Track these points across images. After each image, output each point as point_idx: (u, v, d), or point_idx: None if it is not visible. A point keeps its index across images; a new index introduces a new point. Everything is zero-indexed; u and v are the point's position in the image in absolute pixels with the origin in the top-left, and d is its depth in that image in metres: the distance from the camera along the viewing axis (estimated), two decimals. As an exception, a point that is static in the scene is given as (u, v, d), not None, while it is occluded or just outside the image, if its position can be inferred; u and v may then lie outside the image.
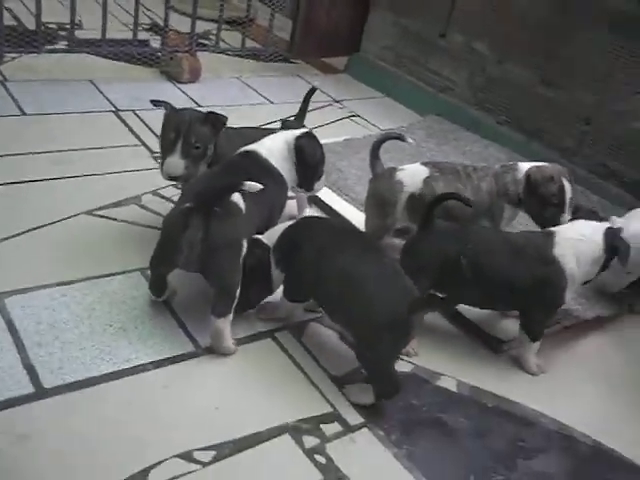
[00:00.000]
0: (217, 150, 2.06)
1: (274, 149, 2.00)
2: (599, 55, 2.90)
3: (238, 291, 1.74)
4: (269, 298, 1.90)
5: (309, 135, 2.06)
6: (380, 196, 2.18)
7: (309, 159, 2.04)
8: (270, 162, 1.97)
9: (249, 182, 1.69)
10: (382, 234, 2.20)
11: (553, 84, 3.09)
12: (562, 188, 2.06)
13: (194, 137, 1.97)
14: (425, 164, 2.22)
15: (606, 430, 1.79)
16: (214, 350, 1.77)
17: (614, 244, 1.86)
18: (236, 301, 1.75)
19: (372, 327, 1.63)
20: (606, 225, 1.92)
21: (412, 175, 2.16)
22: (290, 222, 1.87)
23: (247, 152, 1.99)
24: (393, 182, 2.17)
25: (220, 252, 1.70)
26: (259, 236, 1.84)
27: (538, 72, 3.14)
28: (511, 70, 3.26)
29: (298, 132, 2.06)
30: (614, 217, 2.17)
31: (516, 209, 2.15)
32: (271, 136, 2.06)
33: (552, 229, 1.93)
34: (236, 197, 1.77)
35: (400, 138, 2.28)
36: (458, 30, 3.47)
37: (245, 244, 1.77)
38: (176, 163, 1.98)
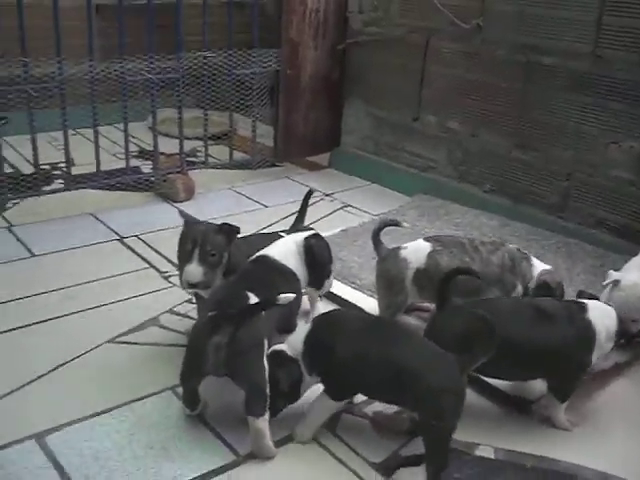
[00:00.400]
0: (230, 259, 2.16)
1: (285, 251, 2.13)
2: (568, 114, 3.07)
3: (268, 389, 1.79)
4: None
5: (317, 236, 2.20)
6: (388, 276, 2.28)
7: (318, 258, 2.16)
8: (282, 263, 2.09)
9: (283, 295, 1.79)
10: (395, 312, 2.29)
11: (529, 147, 3.25)
12: (563, 290, 2.23)
13: (210, 246, 2.07)
14: (427, 239, 2.33)
15: (645, 473, 1.82)
16: (255, 453, 1.81)
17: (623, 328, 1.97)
18: (269, 400, 1.79)
19: (437, 394, 1.68)
20: (613, 309, 2.01)
21: (415, 251, 2.28)
22: (308, 325, 1.91)
23: (260, 257, 2.12)
24: (399, 261, 2.28)
25: (245, 354, 1.78)
26: (281, 347, 1.87)
27: (512, 139, 3.31)
28: (486, 141, 3.43)
29: (306, 234, 2.20)
30: (611, 271, 2.26)
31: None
32: (281, 239, 2.19)
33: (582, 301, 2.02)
34: (253, 300, 1.87)
35: (396, 224, 2.40)
36: (430, 112, 3.66)
37: (266, 343, 1.84)
38: (195, 270, 2.07)
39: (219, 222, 2.17)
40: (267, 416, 1.79)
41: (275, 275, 2.04)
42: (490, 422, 2.00)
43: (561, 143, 3.13)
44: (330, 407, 1.86)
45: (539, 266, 2.26)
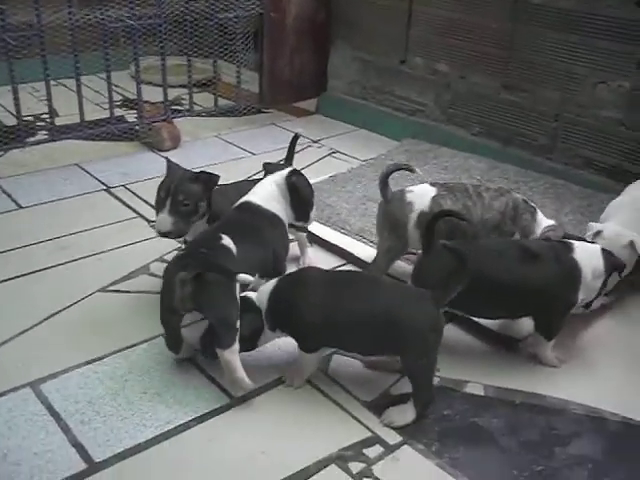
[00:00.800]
0: (213, 207, 2.15)
1: (266, 194, 2.12)
2: (556, 54, 3.04)
3: (237, 323, 1.81)
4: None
5: (296, 172, 2.18)
6: (392, 219, 2.26)
7: (303, 193, 2.15)
8: (265, 208, 2.09)
9: (242, 275, 1.82)
10: (394, 256, 2.29)
11: (517, 88, 3.23)
12: None
13: (182, 195, 2.07)
14: (433, 184, 2.31)
15: (633, 405, 1.87)
16: (231, 387, 1.84)
17: (612, 262, 1.98)
18: (238, 333, 1.80)
19: (420, 336, 1.72)
20: (599, 247, 2.02)
21: (420, 195, 2.26)
22: (274, 281, 1.90)
23: (243, 204, 2.11)
24: (404, 204, 2.26)
25: (212, 287, 1.79)
26: (251, 295, 1.89)
27: (500, 80, 3.28)
28: (475, 83, 3.40)
29: (285, 172, 2.17)
30: (591, 223, 2.27)
31: None
32: (261, 182, 2.17)
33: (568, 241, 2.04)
34: (226, 241, 1.90)
35: (408, 169, 2.33)
36: (417, 54, 3.62)
37: (237, 280, 1.85)
38: (165, 220, 2.07)
39: (207, 170, 2.15)
40: (236, 347, 1.79)
41: (259, 220, 2.05)
42: (479, 360, 2.04)
43: (549, 83, 3.10)
44: (310, 358, 1.87)
45: (543, 222, 2.25)
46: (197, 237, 2.02)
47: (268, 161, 2.32)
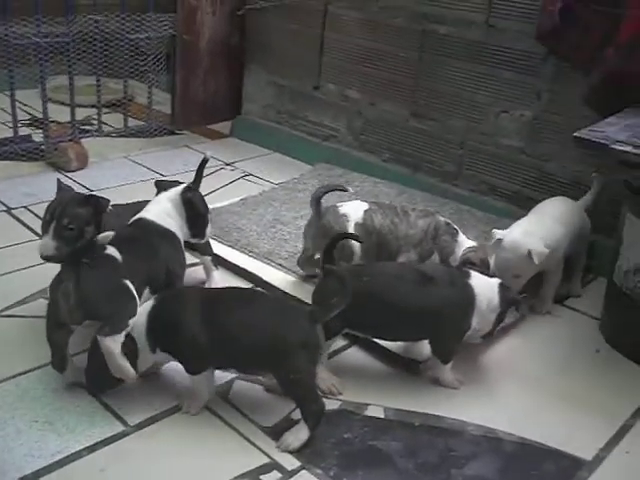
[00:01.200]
0: (107, 228, 2.09)
1: (160, 210, 2.10)
2: (461, 83, 3.13)
3: (130, 320, 1.78)
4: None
5: (190, 188, 2.17)
6: (330, 231, 2.27)
7: (200, 209, 2.15)
8: (158, 223, 2.07)
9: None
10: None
11: (425, 116, 3.30)
12: (488, 266, 2.30)
13: (67, 219, 2.01)
14: (363, 200, 2.43)
15: (528, 425, 1.91)
16: (115, 373, 1.78)
17: (508, 298, 2.02)
18: (127, 329, 1.77)
19: (288, 351, 1.71)
20: (498, 281, 2.06)
21: (354, 208, 2.35)
22: (150, 301, 1.88)
23: (134, 221, 2.09)
24: (339, 215, 2.32)
25: (95, 295, 1.78)
26: None
27: (409, 108, 3.35)
28: (384, 110, 3.46)
29: (179, 189, 2.16)
30: (495, 230, 2.34)
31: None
32: (154, 199, 2.15)
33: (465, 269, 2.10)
34: (110, 250, 1.89)
35: (342, 189, 2.43)
36: (330, 80, 3.66)
37: (130, 285, 1.83)
38: (47, 244, 2.01)
39: (96, 195, 2.10)
40: (118, 338, 1.75)
41: (151, 235, 2.04)
42: (380, 382, 2.04)
43: (455, 112, 3.19)
44: (199, 381, 1.84)
45: (465, 243, 2.34)
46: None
47: (161, 179, 2.30)
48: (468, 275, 2.02)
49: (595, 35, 2.57)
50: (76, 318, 1.80)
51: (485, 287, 2.00)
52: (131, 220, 2.10)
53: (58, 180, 2.18)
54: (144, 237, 2.03)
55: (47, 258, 2.03)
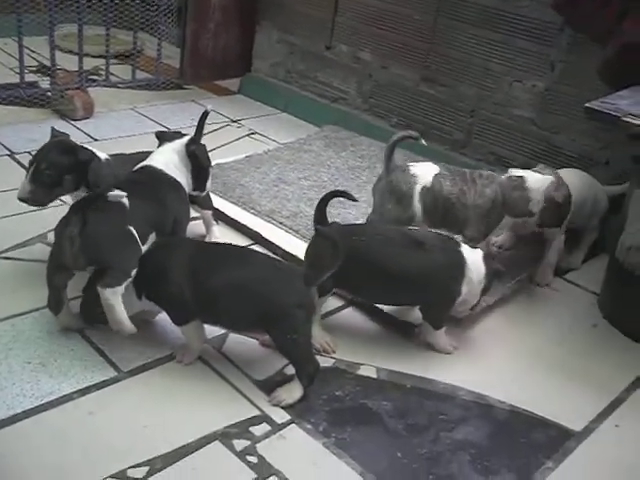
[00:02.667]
0: (108, 177, 2.09)
1: (166, 160, 2.09)
2: (476, 50, 3.08)
3: (134, 272, 1.78)
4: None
5: (194, 141, 2.15)
6: (397, 189, 2.24)
7: (204, 162, 2.14)
8: (166, 172, 2.06)
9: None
10: (405, 225, 2.24)
11: (436, 82, 3.26)
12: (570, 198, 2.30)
13: (45, 164, 2.01)
14: (436, 164, 2.33)
15: (520, 393, 1.91)
16: (112, 326, 1.78)
17: (493, 268, 2.02)
18: (129, 280, 1.77)
19: (284, 312, 1.71)
20: (482, 252, 2.04)
21: (424, 171, 2.26)
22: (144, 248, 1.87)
23: (141, 167, 2.08)
24: (408, 175, 2.25)
25: (101, 240, 1.77)
26: None
27: (420, 72, 3.31)
28: (396, 73, 3.41)
29: (184, 140, 2.14)
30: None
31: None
32: (159, 149, 2.14)
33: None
34: (118, 192, 1.86)
35: (414, 137, 2.30)
36: (342, 41, 3.61)
37: (134, 232, 1.82)
38: (23, 186, 2.03)
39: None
40: (119, 289, 1.74)
41: (158, 183, 2.03)
42: (374, 343, 2.05)
43: (467, 79, 3.14)
44: (187, 331, 1.83)
45: (536, 183, 2.24)
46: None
47: (162, 130, 2.27)
48: (459, 243, 2.01)
49: (613, 6, 2.52)
50: (79, 264, 1.79)
51: (474, 256, 1.99)
52: (137, 167, 2.08)
53: (52, 128, 2.16)
54: (152, 184, 2.01)
55: (22, 200, 2.04)
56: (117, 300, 1.75)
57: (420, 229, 2.17)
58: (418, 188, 2.23)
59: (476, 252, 2.00)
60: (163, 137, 2.18)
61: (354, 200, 1.99)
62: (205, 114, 2.25)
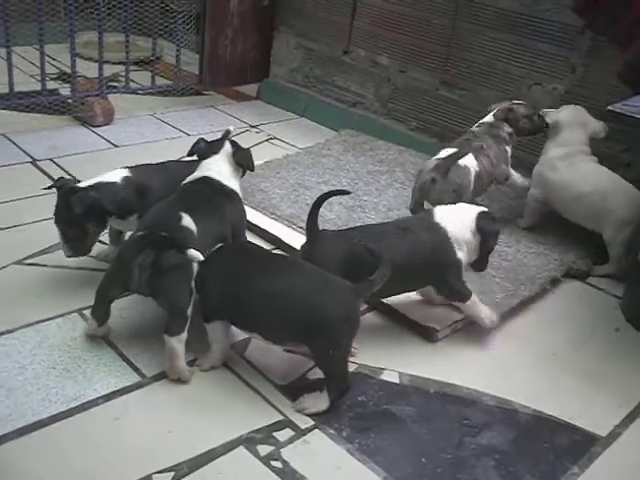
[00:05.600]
0: (121, 202, 2.10)
1: (222, 170, 2.11)
2: (495, 54, 3.08)
3: (189, 311, 1.80)
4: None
5: (238, 148, 2.18)
6: (460, 185, 2.36)
7: (251, 167, 2.21)
8: (224, 183, 2.09)
9: (192, 251, 1.78)
10: None
11: (455, 86, 3.26)
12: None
13: (65, 226, 2.05)
14: (450, 147, 2.49)
15: (543, 398, 1.90)
16: (168, 373, 1.80)
17: (486, 225, 2.03)
18: (188, 323, 1.79)
19: (331, 325, 1.68)
20: (480, 209, 2.08)
21: (468, 159, 2.42)
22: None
23: (199, 178, 2.09)
24: (463, 168, 2.38)
25: (168, 274, 1.78)
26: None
27: (439, 76, 3.30)
28: (414, 78, 3.41)
29: (229, 149, 2.15)
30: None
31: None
32: (212, 159, 2.13)
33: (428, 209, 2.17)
34: (187, 221, 1.88)
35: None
36: (360, 46, 3.61)
37: (196, 267, 1.83)
38: (65, 250, 2.08)
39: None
40: (184, 336, 1.78)
41: (219, 196, 2.05)
42: (397, 348, 2.04)
43: (486, 82, 3.14)
44: (212, 330, 1.84)
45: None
46: (156, 215, 1.94)
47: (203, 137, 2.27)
48: (432, 214, 2.05)
49: (634, 9, 2.50)
50: (142, 290, 1.82)
51: (452, 218, 2.02)
52: (193, 177, 2.09)
53: (60, 178, 2.15)
54: (214, 199, 2.03)
55: (70, 257, 2.10)
56: (182, 347, 1.78)
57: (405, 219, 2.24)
58: (472, 178, 2.41)
59: (457, 213, 2.05)
60: (201, 149, 2.17)
61: (347, 193, 2.14)
62: (227, 133, 2.26)
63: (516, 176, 2.66)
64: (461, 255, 2.00)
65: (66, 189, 2.06)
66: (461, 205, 2.12)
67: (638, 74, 2.48)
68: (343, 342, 1.71)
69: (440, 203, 2.28)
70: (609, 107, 2.04)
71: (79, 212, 2.01)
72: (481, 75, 3.15)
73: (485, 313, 2.06)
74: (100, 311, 1.89)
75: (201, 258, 1.79)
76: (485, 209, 2.11)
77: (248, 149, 2.22)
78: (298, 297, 1.71)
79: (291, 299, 1.71)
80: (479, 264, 2.09)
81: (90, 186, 2.07)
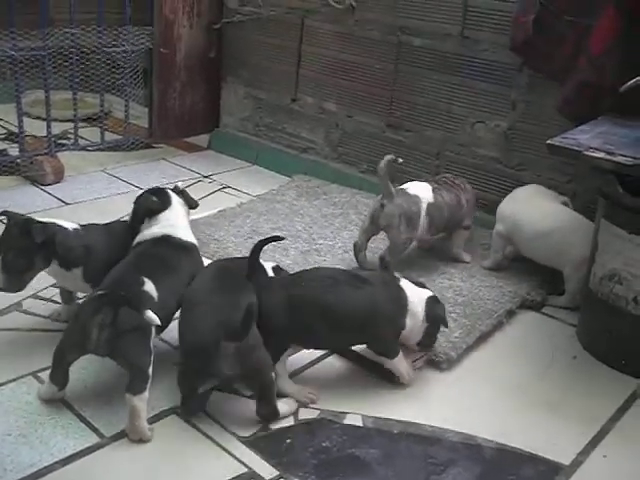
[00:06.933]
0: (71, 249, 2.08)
1: (179, 223, 2.14)
2: (437, 95, 3.16)
3: (150, 370, 1.78)
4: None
5: (180, 191, 2.24)
6: (407, 211, 2.48)
7: (195, 205, 2.29)
8: (181, 238, 2.11)
9: (149, 314, 1.77)
10: (408, 247, 2.61)
11: (401, 128, 3.32)
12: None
13: (12, 253, 2.00)
14: (423, 181, 2.69)
15: (507, 431, 1.91)
16: (129, 433, 1.76)
17: (435, 311, 2.07)
18: (150, 381, 1.77)
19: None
20: (428, 293, 2.11)
21: (423, 189, 2.58)
22: None
23: (159, 238, 2.08)
24: (412, 196, 2.49)
25: (129, 334, 1.77)
26: None
27: (385, 119, 3.37)
28: (361, 122, 3.48)
29: (176, 198, 2.20)
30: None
31: None
32: (168, 212, 2.14)
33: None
34: (149, 287, 1.88)
35: (396, 161, 2.59)
36: (307, 93, 3.68)
37: (153, 329, 1.82)
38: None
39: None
40: (146, 395, 1.76)
41: (178, 253, 2.07)
42: (358, 391, 2.03)
43: (431, 123, 3.21)
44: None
45: None
46: (117, 277, 1.93)
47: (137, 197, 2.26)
48: (398, 278, 2.10)
49: (567, 45, 2.61)
50: (101, 351, 1.79)
51: (413, 290, 2.06)
52: (152, 235, 2.08)
53: (5, 211, 2.11)
54: (174, 257, 2.04)
55: (2, 290, 2.03)
56: (144, 408, 1.76)
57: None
58: (424, 207, 2.51)
59: (417, 289, 2.08)
60: (154, 204, 2.16)
61: (281, 239, 2.13)
62: (175, 189, 2.27)
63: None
64: (408, 323, 2.02)
65: (22, 218, 2.05)
66: (417, 289, 2.10)
67: (576, 107, 2.58)
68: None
69: (389, 227, 2.45)
70: (548, 141, 2.10)
71: (39, 241, 1.98)
72: (425, 116, 3.23)
73: (404, 369, 2.05)
74: (59, 375, 1.86)
75: (158, 322, 1.79)
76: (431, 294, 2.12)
77: (184, 190, 2.26)
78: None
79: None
80: (427, 346, 2.12)
81: (47, 221, 2.07)
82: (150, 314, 1.77)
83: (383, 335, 2.01)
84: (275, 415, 1.84)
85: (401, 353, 2.03)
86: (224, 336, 1.73)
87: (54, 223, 2.08)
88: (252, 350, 1.78)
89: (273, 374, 1.82)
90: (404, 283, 2.07)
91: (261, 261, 2.02)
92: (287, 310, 1.90)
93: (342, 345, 2.11)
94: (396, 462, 1.77)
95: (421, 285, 2.14)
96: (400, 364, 2.04)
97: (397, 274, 2.21)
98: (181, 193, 2.23)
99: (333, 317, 1.91)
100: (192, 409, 1.87)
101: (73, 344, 1.81)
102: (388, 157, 2.53)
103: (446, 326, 2.11)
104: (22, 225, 2.02)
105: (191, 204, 2.26)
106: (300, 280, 1.99)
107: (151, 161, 3.83)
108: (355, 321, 1.95)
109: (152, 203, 2.16)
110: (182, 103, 3.97)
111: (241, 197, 3.40)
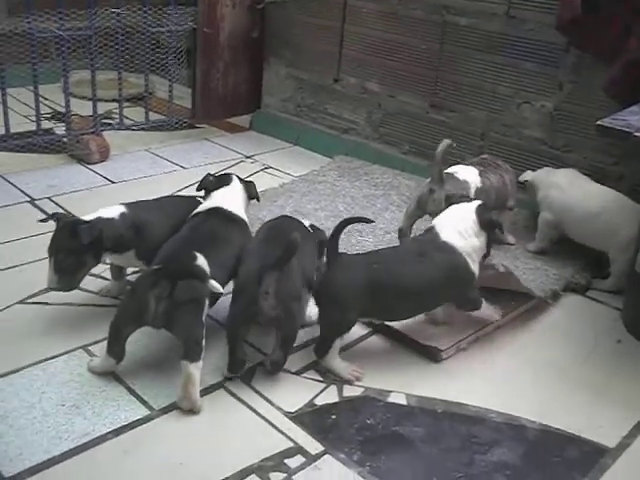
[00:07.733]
0: (120, 238, 2.12)
1: (233, 200, 2.23)
2: (483, 75, 3.13)
3: (204, 342, 1.82)
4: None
5: (245, 180, 2.37)
6: (454, 196, 2.39)
7: (257, 197, 2.42)
8: (232, 212, 2.19)
9: (213, 284, 1.85)
10: None
11: (445, 108, 3.30)
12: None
13: (62, 254, 2.05)
14: (468, 164, 2.64)
15: (550, 412, 1.91)
16: (181, 402, 1.81)
17: (485, 218, 2.10)
18: (203, 353, 1.81)
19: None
20: (477, 203, 2.15)
21: (471, 173, 2.53)
22: None
23: (210, 209, 2.18)
24: (462, 182, 2.46)
25: (184, 307, 1.82)
26: None
27: (429, 99, 3.35)
28: (404, 102, 3.46)
29: (237, 183, 2.33)
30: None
31: None
32: (224, 190, 2.26)
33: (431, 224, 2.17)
34: (201, 261, 1.92)
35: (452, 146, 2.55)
36: (350, 73, 3.67)
37: (207, 302, 1.88)
38: (50, 278, 2.08)
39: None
40: (200, 364, 1.80)
41: (226, 225, 2.13)
42: (402, 369, 2.05)
43: (476, 103, 3.19)
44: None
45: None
46: (170, 252, 1.99)
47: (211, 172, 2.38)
48: (436, 232, 2.09)
49: (616, 25, 2.56)
50: (158, 323, 1.84)
51: (456, 231, 2.06)
52: (205, 207, 2.19)
53: (54, 214, 2.16)
54: (224, 229, 2.11)
55: (54, 290, 2.10)
56: (199, 374, 1.80)
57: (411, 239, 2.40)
58: (472, 192, 2.46)
59: (452, 216, 2.12)
60: (211, 182, 2.30)
61: (370, 222, 2.12)
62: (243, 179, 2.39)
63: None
64: (474, 267, 2.06)
65: (71, 219, 2.11)
66: (455, 211, 2.14)
67: (624, 88, 2.54)
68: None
69: (437, 214, 2.33)
70: (598, 122, 2.07)
71: (86, 242, 2.03)
72: (470, 96, 3.20)
73: (490, 313, 2.19)
74: (116, 348, 1.90)
75: (221, 289, 1.87)
76: (479, 202, 2.17)
77: (252, 181, 2.36)
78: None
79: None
80: (486, 255, 2.16)
81: (93, 220, 2.10)
82: (214, 283, 1.84)
83: (462, 293, 2.10)
84: (280, 366, 1.94)
85: (483, 300, 2.14)
86: (265, 268, 1.83)
87: (100, 217, 2.11)
88: (292, 295, 1.86)
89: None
90: (445, 234, 2.07)
91: (299, 218, 2.20)
92: (367, 290, 1.93)
93: (422, 312, 2.17)
94: (440, 441, 1.78)
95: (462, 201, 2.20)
96: (487, 310, 2.18)
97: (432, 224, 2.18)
98: (246, 182, 2.35)
99: (415, 294, 2.00)
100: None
101: (130, 317, 1.86)
102: (447, 142, 2.48)
103: (501, 229, 2.16)
104: (70, 227, 2.06)
105: (251, 193, 2.35)
106: (377, 259, 2.02)
107: (194, 141, 3.87)
108: (433, 292, 2.04)
109: (208, 182, 2.30)
110: (225, 83, 3.99)
111: (283, 177, 3.42)
